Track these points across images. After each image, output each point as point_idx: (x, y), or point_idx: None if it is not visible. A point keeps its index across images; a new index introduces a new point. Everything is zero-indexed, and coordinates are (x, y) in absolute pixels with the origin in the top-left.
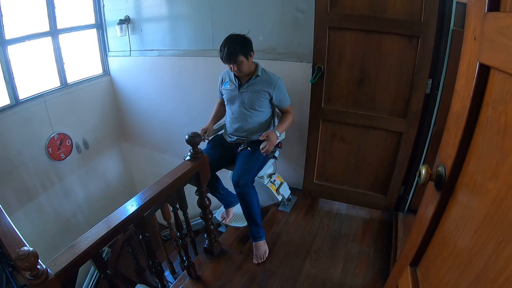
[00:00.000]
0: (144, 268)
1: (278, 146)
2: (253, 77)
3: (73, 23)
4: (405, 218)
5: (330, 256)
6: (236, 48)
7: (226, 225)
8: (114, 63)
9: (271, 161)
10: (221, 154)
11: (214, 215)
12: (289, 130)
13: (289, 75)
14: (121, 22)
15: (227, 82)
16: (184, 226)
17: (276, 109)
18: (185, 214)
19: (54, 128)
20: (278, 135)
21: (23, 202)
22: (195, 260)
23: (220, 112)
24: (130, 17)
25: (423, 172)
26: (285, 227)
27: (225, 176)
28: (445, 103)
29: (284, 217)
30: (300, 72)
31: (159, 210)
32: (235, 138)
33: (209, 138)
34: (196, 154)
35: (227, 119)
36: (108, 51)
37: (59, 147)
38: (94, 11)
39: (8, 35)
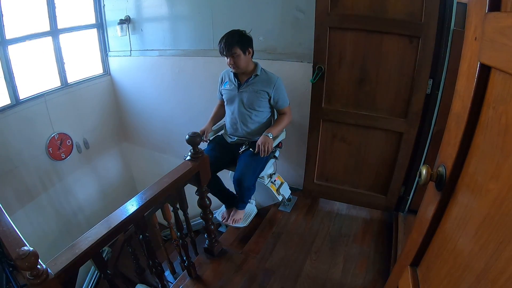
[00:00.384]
0: (144, 268)
1: (278, 146)
2: (252, 77)
3: (74, 23)
4: (406, 218)
5: (331, 256)
6: (233, 40)
7: (227, 225)
8: (115, 63)
9: (272, 161)
10: (222, 155)
11: (214, 215)
12: (289, 130)
13: (290, 75)
14: (121, 22)
15: (226, 82)
16: (184, 226)
17: None
18: (185, 214)
19: (54, 128)
20: (271, 137)
21: (23, 202)
22: (195, 260)
23: (220, 113)
24: (131, 17)
25: (424, 172)
26: (285, 227)
27: (226, 176)
28: (446, 103)
29: (284, 217)
30: (301, 72)
31: (159, 210)
32: (236, 138)
33: (209, 139)
34: (196, 154)
35: (226, 119)
36: (109, 51)
37: (59, 147)
38: (94, 11)
39: (8, 35)
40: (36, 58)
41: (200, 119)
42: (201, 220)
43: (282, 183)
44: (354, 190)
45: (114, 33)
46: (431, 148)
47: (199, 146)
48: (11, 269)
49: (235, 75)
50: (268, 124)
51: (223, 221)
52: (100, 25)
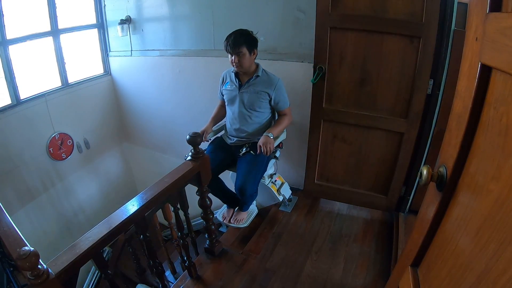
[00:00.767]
0: (145, 268)
1: (279, 146)
2: (253, 77)
3: (75, 23)
4: (406, 218)
5: (331, 256)
6: (241, 38)
7: (227, 225)
8: (115, 63)
9: (272, 161)
10: (223, 157)
11: (215, 215)
12: (290, 130)
13: (290, 75)
14: (122, 22)
15: (227, 82)
16: (185, 226)
17: None
18: (186, 214)
19: (55, 128)
20: (271, 137)
21: (24, 202)
22: (196, 260)
23: (220, 114)
24: (131, 17)
25: (425, 172)
26: (286, 227)
27: (226, 176)
28: (446, 103)
29: (285, 217)
30: (301, 72)
31: (160, 210)
32: (236, 139)
33: (209, 139)
34: (197, 154)
35: (227, 119)
36: (109, 51)
37: (60, 147)
38: (95, 11)
39: (9, 35)
40: (36, 58)
41: (200, 119)
42: (202, 220)
43: (282, 183)
44: (354, 190)
45: (115, 33)
46: (431, 148)
47: (199, 146)
48: (11, 269)
49: (236, 75)
50: (268, 125)
51: (224, 221)
52: (101, 25)
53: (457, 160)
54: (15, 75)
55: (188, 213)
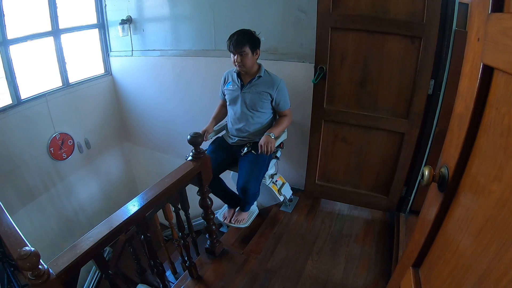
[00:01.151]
0: (146, 268)
1: (280, 146)
2: (256, 78)
3: (75, 23)
4: (407, 219)
5: (332, 256)
6: (244, 38)
7: (228, 225)
8: (116, 63)
9: (273, 161)
10: (224, 157)
11: (215, 215)
12: (291, 130)
13: (291, 76)
14: (123, 22)
15: (229, 82)
16: (186, 226)
17: None
18: (186, 214)
19: (56, 128)
20: (273, 137)
21: (25, 202)
22: (197, 260)
23: (221, 114)
24: (132, 17)
25: (426, 173)
26: (286, 228)
27: (227, 176)
28: (447, 103)
29: (285, 217)
30: (302, 72)
31: (161, 210)
32: (237, 139)
33: (211, 139)
34: (198, 154)
35: (229, 119)
36: (110, 51)
37: (60, 147)
38: (96, 11)
39: (10, 35)
40: (37, 58)
41: (201, 119)
42: (203, 220)
43: (283, 184)
44: (355, 190)
45: (116, 33)
46: (432, 148)
47: (200, 146)
48: (12, 269)
49: (238, 75)
50: (269, 125)
51: (225, 221)
52: (102, 25)
53: (458, 160)
54: (16, 75)
55: (189, 213)
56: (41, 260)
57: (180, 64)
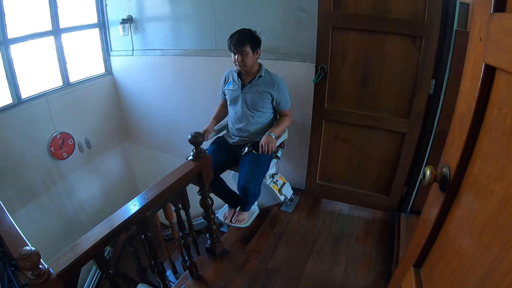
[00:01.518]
0: (146, 268)
1: (280, 146)
2: (256, 78)
3: (76, 23)
4: (408, 219)
5: (333, 256)
6: (245, 38)
7: (228, 225)
8: (117, 63)
9: (274, 161)
10: (224, 157)
11: (216, 215)
12: (291, 130)
13: (292, 75)
14: (123, 21)
15: (230, 82)
16: (186, 226)
17: None
18: (187, 214)
19: (56, 127)
20: (273, 136)
21: (25, 201)
22: (197, 260)
23: (222, 114)
24: (133, 16)
25: (428, 173)
26: (287, 228)
27: (228, 176)
28: (448, 103)
29: (286, 217)
30: (303, 72)
31: (161, 209)
32: (237, 139)
33: (212, 139)
34: (198, 154)
35: (229, 119)
36: (111, 50)
37: (61, 146)
38: (96, 11)
39: (10, 34)
40: (38, 57)
41: (201, 118)
42: (203, 220)
43: (284, 183)
44: (356, 190)
45: (116, 32)
46: (433, 148)
47: (201, 146)
48: (12, 268)
49: (239, 75)
50: (270, 125)
51: (225, 221)
52: (102, 25)
53: (460, 160)
54: (17, 74)
55: (190, 213)
56: (41, 260)
57: (181, 64)
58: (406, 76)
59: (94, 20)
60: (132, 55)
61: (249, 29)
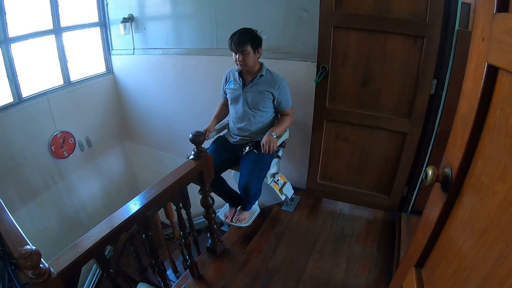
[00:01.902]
0: (147, 267)
1: (281, 145)
2: (257, 77)
3: (77, 21)
4: (409, 219)
5: (333, 256)
6: (246, 37)
7: (229, 224)
8: (118, 62)
9: (275, 160)
10: (225, 156)
11: (217, 214)
12: (292, 129)
13: (293, 75)
14: (124, 20)
15: (231, 81)
16: (187, 225)
17: None
18: (188, 213)
19: (57, 126)
20: (274, 136)
21: (26, 200)
22: (198, 259)
23: (223, 113)
24: (134, 15)
25: (430, 173)
26: (288, 227)
27: (229, 176)
28: (450, 103)
29: (287, 217)
30: (304, 71)
31: (162, 209)
32: (238, 138)
33: (213, 138)
34: (199, 153)
35: (230, 118)
36: (112, 49)
37: (62, 145)
38: (97, 9)
39: (11, 33)
40: (39, 56)
41: (202, 117)
42: (204, 219)
43: (285, 183)
44: (357, 190)
45: (117, 31)
46: (435, 148)
47: (202, 145)
48: (13, 267)
49: (240, 74)
50: (271, 124)
51: (226, 220)
52: (103, 24)
53: (462, 160)
54: (17, 73)
55: (190, 212)
56: (42, 259)
57: (182, 63)
58: (408, 76)
59: (95, 19)
60: (133, 54)
61: (250, 29)
